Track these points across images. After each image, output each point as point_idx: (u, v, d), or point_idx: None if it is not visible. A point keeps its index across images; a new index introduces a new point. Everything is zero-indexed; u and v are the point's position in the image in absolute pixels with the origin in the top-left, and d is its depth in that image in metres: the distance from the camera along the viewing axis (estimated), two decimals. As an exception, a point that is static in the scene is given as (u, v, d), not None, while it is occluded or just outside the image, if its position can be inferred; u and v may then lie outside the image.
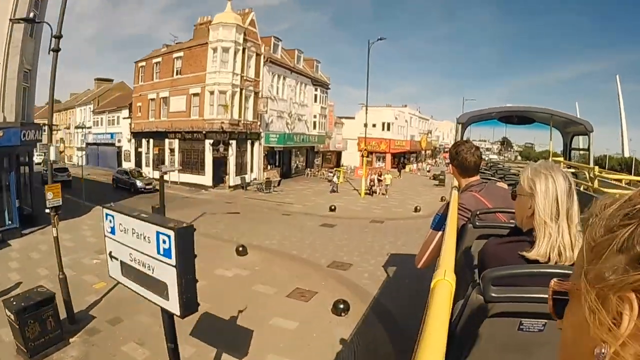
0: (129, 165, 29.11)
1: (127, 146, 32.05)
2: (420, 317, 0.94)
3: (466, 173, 2.34)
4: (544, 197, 1.21)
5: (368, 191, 22.19)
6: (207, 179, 24.81)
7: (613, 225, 0.40)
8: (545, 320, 1.02)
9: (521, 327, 1.05)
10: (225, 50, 24.24)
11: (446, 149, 74.28)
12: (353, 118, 45.67)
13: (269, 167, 28.39)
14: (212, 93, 24.41)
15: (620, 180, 5.26)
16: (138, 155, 29.42)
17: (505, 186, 2.67)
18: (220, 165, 24.85)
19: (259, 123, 26.76)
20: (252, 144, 26.56)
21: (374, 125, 43.28)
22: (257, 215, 16.84)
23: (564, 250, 1.15)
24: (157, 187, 23.21)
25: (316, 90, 34.34)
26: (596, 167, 4.97)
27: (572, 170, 5.60)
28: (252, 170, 26.68)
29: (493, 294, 1.02)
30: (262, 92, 26.97)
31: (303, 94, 32.61)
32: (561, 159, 6.63)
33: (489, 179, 3.46)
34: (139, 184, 22.81)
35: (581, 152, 6.61)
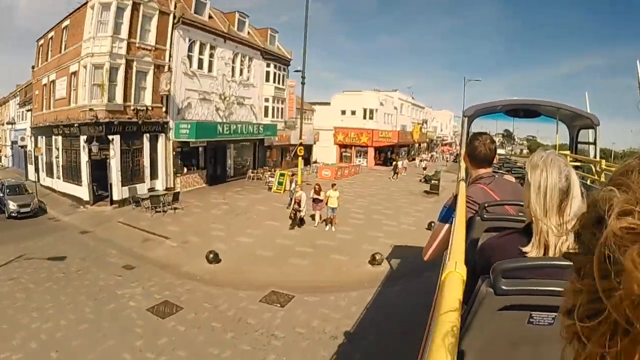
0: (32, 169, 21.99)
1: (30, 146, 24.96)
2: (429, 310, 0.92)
3: (477, 164, 2.37)
4: (535, 191, 1.22)
5: (292, 218, 14.05)
6: (83, 190, 17.23)
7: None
8: (555, 314, 1.02)
9: (531, 320, 1.07)
10: (105, 6, 16.39)
11: (445, 141, 67.22)
12: (328, 104, 37.77)
13: (185, 170, 20.56)
14: (85, 68, 16.67)
15: None
16: (36, 157, 21.92)
17: (513, 179, 2.89)
18: (102, 171, 17.17)
19: (164, 109, 18.89)
20: (154, 139, 18.75)
21: (353, 113, 35.44)
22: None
23: (553, 245, 1.17)
24: (42, 207, 16.25)
25: (269, 66, 26.48)
26: (602, 161, 5.25)
27: (579, 163, 6.06)
28: (155, 177, 18.89)
29: (504, 287, 1.03)
30: (174, 65, 19.05)
31: (247, 70, 24.70)
32: (567, 152, 6.82)
33: (497, 172, 3.33)
34: (11, 206, 15.68)
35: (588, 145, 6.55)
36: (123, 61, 17.16)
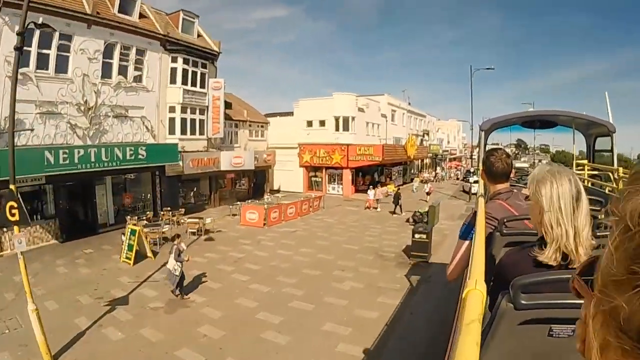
0: None
1: None
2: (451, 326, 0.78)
3: (494, 180, 2.44)
4: (549, 202, 1.28)
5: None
6: None
7: (638, 265, 0.34)
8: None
9: (551, 333, 1.11)
10: None
11: (453, 156, 58.12)
12: (290, 114, 29.16)
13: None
14: None
15: None
16: None
17: None
18: None
19: None
20: None
21: (322, 124, 26.97)
22: None
23: (571, 253, 1.23)
24: None
25: (176, 61, 18.31)
26: (620, 168, 5.42)
27: (596, 172, 6.54)
28: None
29: (523, 301, 1.08)
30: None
31: (134, 67, 16.82)
32: (585, 161, 7.11)
33: (515, 186, 3.52)
34: None
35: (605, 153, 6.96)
36: None
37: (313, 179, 29.07)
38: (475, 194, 23.78)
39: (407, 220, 17.88)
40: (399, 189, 23.54)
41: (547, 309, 1.08)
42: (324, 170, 28.14)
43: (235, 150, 23.46)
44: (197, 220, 15.42)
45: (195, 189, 21.44)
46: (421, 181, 37.02)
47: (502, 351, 1.17)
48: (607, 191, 5.04)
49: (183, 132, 19.28)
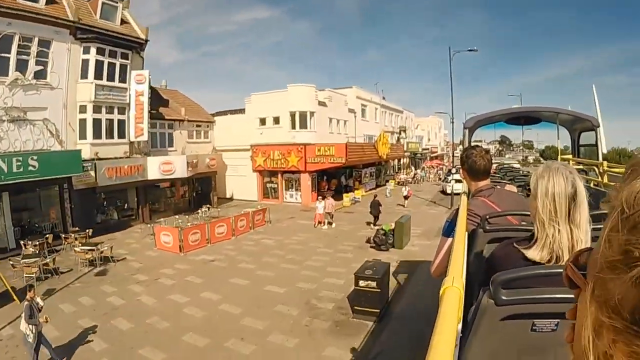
0: None
1: None
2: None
3: (476, 177, 2.72)
4: (542, 198, 1.40)
5: None
6: None
7: (630, 244, 0.39)
8: (558, 320, 1.17)
9: (534, 327, 1.22)
10: None
11: (434, 154, 58.58)
12: (242, 111, 28.51)
13: None
14: None
15: None
16: None
17: (515, 189, 3.25)
18: None
19: None
20: None
21: (276, 121, 26.56)
22: None
23: (562, 252, 1.34)
24: None
25: (88, 51, 17.62)
26: (605, 162, 6.06)
27: (581, 167, 7.18)
28: None
29: (503, 297, 1.19)
30: None
31: (35, 60, 16.20)
32: (570, 156, 7.95)
33: (499, 182, 4.00)
34: None
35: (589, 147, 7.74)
36: None
37: (269, 185, 28.39)
38: (451, 194, 23.89)
39: (368, 241, 16.08)
40: (376, 195, 21.77)
41: (528, 304, 1.19)
42: (280, 175, 27.41)
43: (170, 155, 22.50)
44: (91, 247, 13.90)
45: (118, 203, 20.42)
46: (398, 183, 36.92)
47: (485, 347, 1.27)
48: (592, 185, 5.62)
49: (97, 135, 18.34)
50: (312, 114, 26.71)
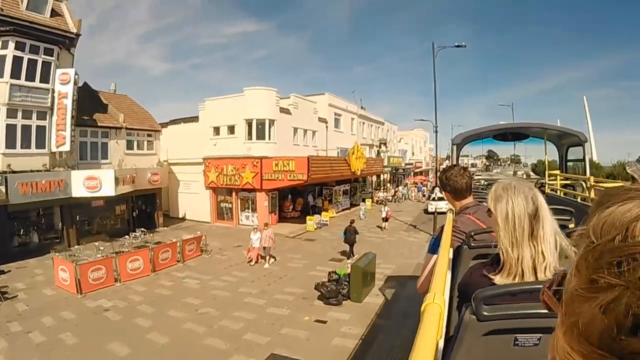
0: None
1: None
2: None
3: (459, 196, 3.04)
4: (503, 222, 1.53)
5: None
6: None
7: (596, 273, 0.45)
8: (540, 335, 1.29)
9: (516, 342, 1.33)
10: None
11: (418, 169, 58.83)
12: (195, 120, 27.89)
13: None
14: None
15: None
16: None
17: None
18: None
19: None
20: None
21: (231, 130, 26.01)
22: None
23: (524, 272, 1.48)
24: None
25: (6, 46, 17.92)
26: (591, 177, 6.79)
27: (569, 181, 8.16)
28: None
29: (485, 313, 1.31)
30: None
31: None
32: (557, 171, 8.94)
33: (485, 199, 3.62)
34: None
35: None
36: None
37: (223, 204, 27.47)
38: (434, 213, 23.37)
39: (317, 287, 13.00)
40: (352, 222, 18.80)
41: (510, 319, 1.30)
42: (235, 194, 26.58)
43: (102, 168, 21.54)
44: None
45: (40, 224, 19.31)
46: (377, 202, 36.42)
47: None
48: (578, 200, 6.24)
49: (10, 144, 17.43)
50: (272, 122, 26.14)
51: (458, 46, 26.39)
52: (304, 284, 14.50)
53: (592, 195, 6.22)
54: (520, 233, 1.46)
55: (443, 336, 1.43)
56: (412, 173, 55.38)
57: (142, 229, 21.31)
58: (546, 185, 9.56)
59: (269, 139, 25.87)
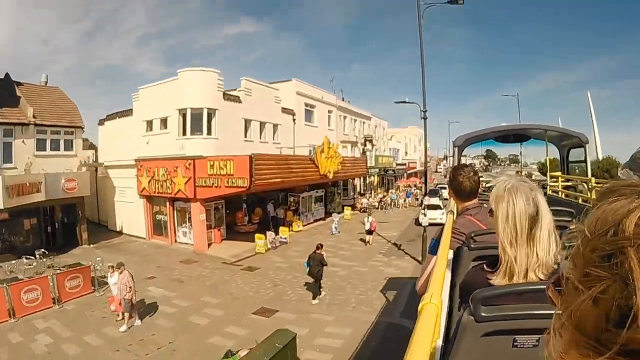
0: None
1: None
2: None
3: (463, 197, 3.10)
4: (502, 223, 1.54)
5: None
6: None
7: (589, 266, 0.49)
8: (539, 336, 1.27)
9: (515, 343, 1.33)
10: None
11: (412, 171, 54.31)
12: (129, 114, 22.86)
13: None
14: None
15: None
16: None
17: None
18: None
19: None
20: None
21: (164, 124, 22.44)
22: None
23: (519, 273, 1.49)
24: None
25: None
26: (593, 178, 6.98)
27: (570, 183, 8.45)
28: None
29: (483, 314, 1.31)
30: None
31: None
32: (559, 173, 8.93)
33: (486, 201, 4.11)
34: None
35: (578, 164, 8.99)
36: None
37: (159, 217, 22.56)
38: (426, 225, 18.12)
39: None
40: (319, 247, 14.15)
41: (508, 320, 1.31)
42: (170, 204, 21.49)
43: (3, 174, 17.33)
44: None
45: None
46: (361, 210, 31.21)
47: None
48: (579, 201, 6.92)
49: None
50: (212, 112, 21.93)
51: (451, 2, 20.84)
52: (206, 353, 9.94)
53: (594, 196, 6.10)
54: (519, 233, 1.49)
55: (441, 337, 1.52)
56: (405, 174, 50.44)
57: (43, 250, 18.11)
58: (547, 187, 9.64)
59: (208, 133, 21.51)
